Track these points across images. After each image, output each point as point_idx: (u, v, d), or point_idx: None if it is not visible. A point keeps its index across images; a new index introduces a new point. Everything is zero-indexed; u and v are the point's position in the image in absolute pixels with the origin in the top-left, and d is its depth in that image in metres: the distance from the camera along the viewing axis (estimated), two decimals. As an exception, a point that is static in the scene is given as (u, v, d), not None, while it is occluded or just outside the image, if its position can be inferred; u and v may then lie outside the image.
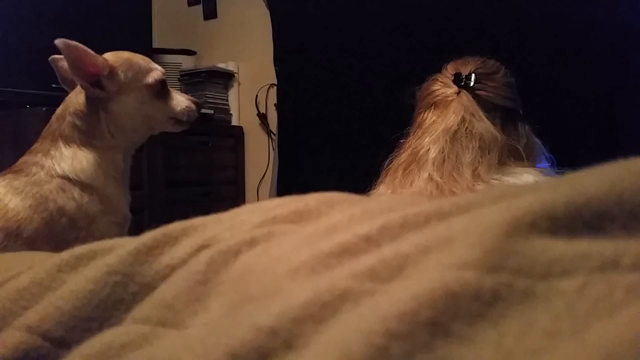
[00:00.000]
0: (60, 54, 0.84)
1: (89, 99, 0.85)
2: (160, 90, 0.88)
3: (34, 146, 0.85)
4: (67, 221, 0.80)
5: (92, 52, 0.81)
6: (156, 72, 0.88)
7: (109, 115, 0.85)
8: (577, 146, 0.96)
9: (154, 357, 0.19)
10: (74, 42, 0.79)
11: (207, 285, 0.23)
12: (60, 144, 0.83)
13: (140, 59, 0.88)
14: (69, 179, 0.81)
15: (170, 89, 0.93)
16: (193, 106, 0.93)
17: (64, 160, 0.81)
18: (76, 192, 0.81)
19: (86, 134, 0.84)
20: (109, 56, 0.85)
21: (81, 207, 0.81)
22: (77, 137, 0.83)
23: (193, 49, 2.23)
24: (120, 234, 0.87)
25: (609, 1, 1.30)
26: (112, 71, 0.84)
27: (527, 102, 0.92)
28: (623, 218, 0.17)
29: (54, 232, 0.79)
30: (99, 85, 0.83)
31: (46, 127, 0.87)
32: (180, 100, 0.92)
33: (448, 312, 0.14)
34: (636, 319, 0.12)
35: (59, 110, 0.87)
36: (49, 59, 0.89)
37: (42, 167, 0.81)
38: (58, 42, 0.78)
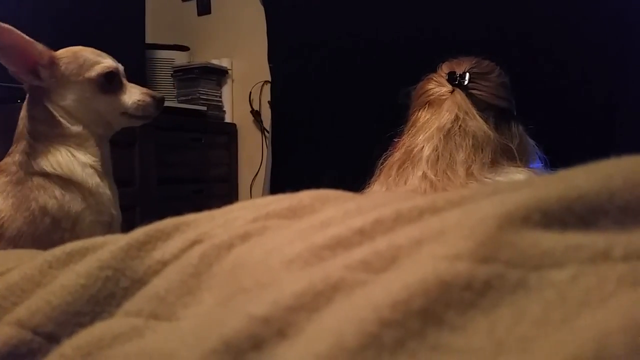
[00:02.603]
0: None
1: (31, 91, 0.83)
2: (107, 84, 0.85)
3: (11, 148, 0.84)
4: (50, 221, 0.78)
5: (28, 38, 0.79)
6: (101, 65, 0.84)
7: (55, 105, 0.83)
8: (571, 147, 0.97)
9: (146, 349, 0.19)
10: (6, 26, 0.76)
11: (199, 278, 0.23)
12: (32, 141, 0.82)
13: (89, 53, 0.85)
14: (47, 175, 0.80)
15: (127, 83, 0.88)
16: (148, 99, 0.88)
17: (39, 156, 0.80)
18: (57, 191, 0.79)
19: (48, 126, 0.82)
20: (62, 50, 0.84)
21: (63, 206, 0.79)
22: (42, 132, 0.82)
23: (186, 45, 2.22)
24: (109, 234, 0.84)
25: (606, 0, 1.31)
26: (52, 61, 0.81)
27: (521, 102, 0.93)
28: (615, 213, 0.17)
29: (38, 232, 0.77)
30: (37, 75, 0.81)
31: (16, 130, 0.85)
32: (133, 94, 0.87)
33: (440, 302, 0.14)
34: (626, 308, 0.13)
35: (22, 111, 0.86)
36: None
37: (21, 165, 0.80)
38: None
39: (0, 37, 0.76)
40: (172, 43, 2.17)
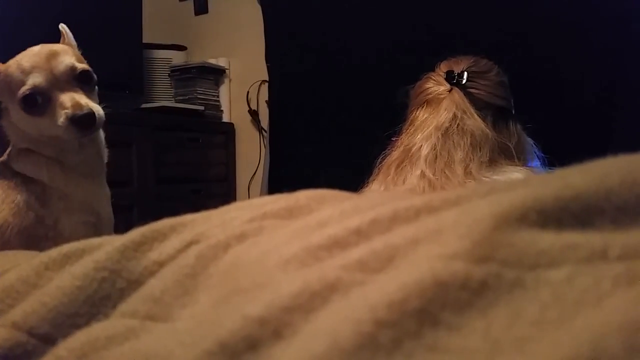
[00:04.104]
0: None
1: None
2: (28, 107, 0.77)
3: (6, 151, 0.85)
4: (34, 216, 0.79)
5: None
6: (24, 87, 0.75)
7: (8, 119, 0.81)
8: (569, 145, 0.97)
9: (141, 350, 0.19)
10: None
11: (196, 279, 0.23)
12: (12, 145, 0.83)
13: (16, 70, 0.76)
14: (26, 177, 0.80)
15: (59, 98, 0.76)
16: (64, 122, 0.75)
17: (15, 160, 0.81)
18: (38, 189, 0.80)
19: (13, 134, 0.82)
20: (11, 60, 0.78)
21: (44, 203, 0.79)
22: (15, 138, 0.82)
23: (184, 45, 2.21)
24: (95, 235, 0.84)
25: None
26: None
27: (520, 101, 0.93)
28: (611, 212, 0.17)
29: (24, 225, 0.78)
30: None
31: None
32: (59, 115, 0.75)
33: (436, 302, 0.14)
34: (623, 308, 0.12)
35: None
36: None
37: (6, 165, 0.82)
38: None
39: None
40: (169, 43, 2.17)
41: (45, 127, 0.78)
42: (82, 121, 0.76)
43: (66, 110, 0.76)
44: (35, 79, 0.76)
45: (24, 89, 0.76)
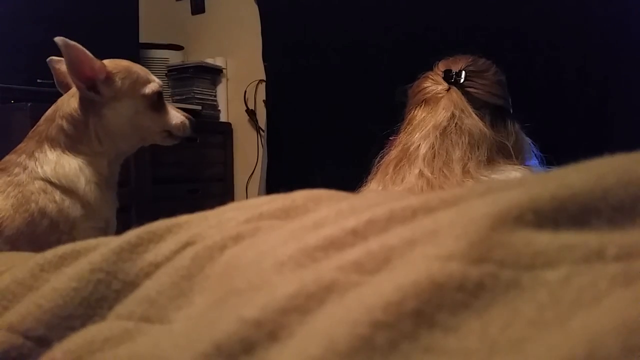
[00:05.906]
0: (56, 54, 0.84)
1: (82, 103, 0.85)
2: (156, 102, 0.90)
3: (19, 146, 0.84)
4: (49, 223, 0.79)
5: (90, 54, 0.82)
6: (154, 84, 0.89)
7: (100, 120, 0.85)
8: (567, 145, 0.97)
9: (137, 352, 0.19)
10: (73, 42, 0.80)
11: (191, 280, 0.22)
12: (46, 146, 0.83)
13: (139, 69, 0.90)
14: (50, 182, 0.81)
15: (167, 103, 0.94)
16: (187, 122, 0.95)
17: (47, 164, 0.82)
18: (57, 195, 0.81)
19: (73, 138, 0.84)
20: (107, 62, 0.86)
21: (62, 210, 0.81)
22: (63, 141, 0.83)
23: (181, 44, 2.21)
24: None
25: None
26: (109, 77, 0.85)
27: (518, 100, 0.93)
28: (608, 212, 0.17)
29: (36, 233, 0.78)
30: (95, 89, 0.84)
31: (34, 128, 0.86)
32: (175, 115, 0.94)
33: (433, 303, 0.14)
34: (620, 308, 0.12)
35: (48, 112, 0.87)
36: (47, 60, 0.90)
37: (25, 168, 0.81)
38: (58, 40, 0.78)
39: (68, 52, 0.79)
40: (166, 42, 2.17)
41: (158, 123, 0.91)
42: (195, 125, 0.97)
43: (184, 115, 0.94)
44: (158, 81, 0.91)
45: (156, 85, 0.90)
